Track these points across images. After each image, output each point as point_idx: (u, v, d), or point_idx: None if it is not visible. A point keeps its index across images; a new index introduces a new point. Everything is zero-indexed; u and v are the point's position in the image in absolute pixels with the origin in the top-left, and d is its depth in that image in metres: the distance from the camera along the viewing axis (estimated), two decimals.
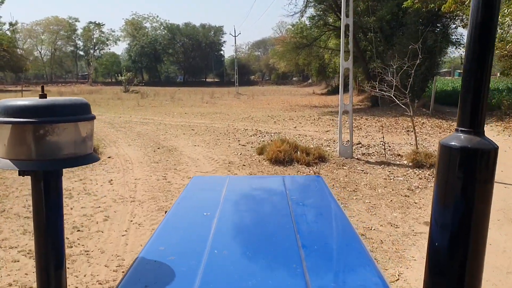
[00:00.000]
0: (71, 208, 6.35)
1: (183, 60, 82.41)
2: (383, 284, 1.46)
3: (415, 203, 7.06)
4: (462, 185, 1.29)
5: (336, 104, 30.99)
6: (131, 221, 5.88)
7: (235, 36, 51.51)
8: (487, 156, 1.28)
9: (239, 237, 1.93)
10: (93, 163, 9.30)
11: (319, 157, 9.69)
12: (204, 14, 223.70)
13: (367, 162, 9.88)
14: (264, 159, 9.79)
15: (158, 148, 12.01)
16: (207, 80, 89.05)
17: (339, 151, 10.17)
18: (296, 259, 1.59)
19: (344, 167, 9.43)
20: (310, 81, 74.35)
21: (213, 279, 1.48)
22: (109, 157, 10.27)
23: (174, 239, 1.88)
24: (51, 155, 1.25)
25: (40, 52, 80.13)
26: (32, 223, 1.33)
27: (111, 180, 8.12)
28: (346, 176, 8.78)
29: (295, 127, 16.69)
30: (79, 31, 79.57)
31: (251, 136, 14.40)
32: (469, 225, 1.30)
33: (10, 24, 59.50)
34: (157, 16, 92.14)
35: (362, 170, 9.21)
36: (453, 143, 1.31)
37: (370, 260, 1.64)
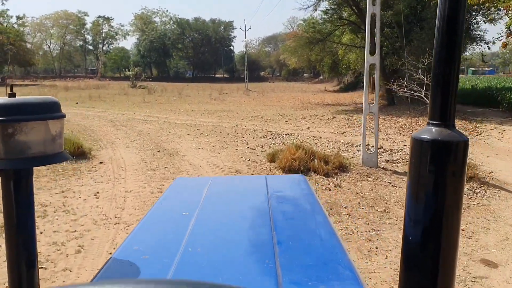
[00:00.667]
0: (41, 232, 5.19)
1: (193, 55, 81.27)
2: (356, 278, 1.46)
3: (462, 230, 5.78)
4: (433, 179, 1.30)
5: (350, 102, 29.74)
6: (110, 253, 4.69)
7: (245, 30, 50.26)
8: (457, 148, 1.27)
9: (215, 235, 1.89)
10: (81, 171, 8.26)
11: (339, 166, 8.43)
12: (214, 9, 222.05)
13: (395, 172, 8.60)
14: (276, 168, 8.56)
15: (158, 151, 10.85)
16: (216, 75, 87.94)
17: (362, 159, 8.89)
18: (270, 255, 1.58)
19: (369, 179, 8.16)
20: (321, 77, 73.07)
21: (183, 275, 1.48)
22: (100, 163, 9.11)
23: (150, 238, 1.85)
24: (20, 153, 1.23)
25: (49, 46, 79.56)
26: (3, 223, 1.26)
27: (97, 192, 6.94)
28: (372, 190, 7.51)
29: (308, 128, 15.43)
30: (88, 26, 78.86)
31: (261, 137, 13.18)
32: (441, 219, 1.31)
33: (17, 17, 58.60)
34: (167, 11, 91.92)
35: (390, 183, 7.93)
36: (424, 136, 1.31)
37: (344, 255, 1.63)
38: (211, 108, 23.52)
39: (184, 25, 79.12)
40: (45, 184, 7.36)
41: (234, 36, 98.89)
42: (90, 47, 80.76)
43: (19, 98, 1.26)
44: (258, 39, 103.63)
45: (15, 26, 57.27)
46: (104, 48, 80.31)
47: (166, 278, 1.43)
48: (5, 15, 54.50)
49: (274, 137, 13.16)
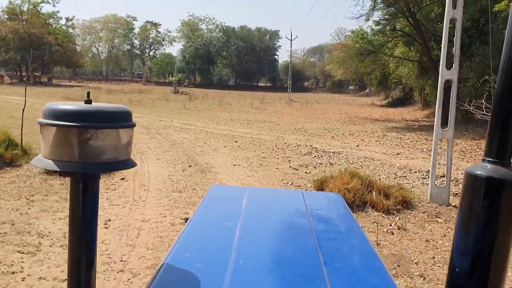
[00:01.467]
0: (23, 279, 4.04)
1: (236, 63, 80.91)
2: None
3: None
4: (486, 214, 1.29)
5: (400, 119, 27.68)
6: None
7: (291, 39, 49.01)
8: None
9: (263, 249, 1.85)
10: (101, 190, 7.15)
11: (402, 202, 6.91)
12: (260, 18, 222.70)
13: None
14: None
15: (190, 166, 9.68)
16: (259, 84, 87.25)
17: (430, 193, 7.31)
18: (320, 275, 1.57)
19: (439, 220, 6.59)
20: (367, 90, 70.74)
21: None
22: (122, 179, 8.01)
23: (199, 246, 1.83)
24: (92, 158, 1.28)
25: (97, 49, 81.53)
26: (68, 223, 1.33)
27: (108, 220, 5.77)
28: (445, 236, 5.95)
29: (358, 146, 13.86)
30: (136, 30, 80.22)
31: (304, 155, 11.79)
32: (490, 253, 1.29)
33: (67, 19, 59.96)
34: (213, 18, 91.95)
35: None
36: (479, 173, 1.31)
37: (389, 278, 1.59)
38: (251, 118, 22.35)
39: (230, 33, 78.98)
40: (52, 204, 6.30)
41: (279, 46, 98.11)
42: (137, 52, 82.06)
43: (95, 105, 1.31)
44: (303, 49, 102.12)
45: (64, 27, 58.56)
46: (150, 53, 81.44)
47: None
48: (55, 16, 55.94)
49: (319, 155, 11.73)
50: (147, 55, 79.58)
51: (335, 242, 2.01)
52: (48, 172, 7.52)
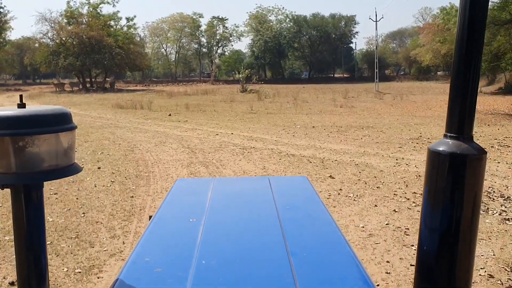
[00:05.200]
0: None
1: (309, 55, 74.53)
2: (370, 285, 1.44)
3: None
4: (450, 190, 1.32)
5: None
6: None
7: (376, 21, 41.65)
8: (475, 161, 1.29)
9: (226, 244, 1.78)
10: None
11: None
12: (334, 3, 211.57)
13: None
14: None
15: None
16: (335, 75, 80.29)
17: None
18: (286, 268, 1.51)
19: None
20: None
21: None
22: None
23: (160, 248, 1.75)
24: (31, 167, 1.20)
25: (166, 50, 79.39)
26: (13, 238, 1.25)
27: None
28: None
29: None
30: (203, 28, 76.82)
31: None
32: (458, 229, 1.32)
33: (127, 19, 56.81)
34: (283, 8, 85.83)
35: None
36: (441, 149, 1.34)
37: (357, 264, 1.56)
38: (339, 122, 16.52)
39: (301, 22, 72.76)
40: None
41: (356, 32, 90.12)
42: (205, 50, 78.73)
43: (29, 109, 1.20)
44: (382, 35, 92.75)
45: (125, 28, 55.78)
46: (218, 50, 77.85)
47: None
48: (115, 17, 53.32)
49: (494, 206, 5.76)
50: (214, 52, 75.96)
51: (302, 230, 1.92)
52: None
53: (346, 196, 6.80)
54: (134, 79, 74.92)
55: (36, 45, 47.21)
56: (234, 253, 1.69)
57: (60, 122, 1.22)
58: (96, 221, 5.70)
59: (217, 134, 13.74)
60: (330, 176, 7.99)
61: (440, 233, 1.33)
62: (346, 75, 78.16)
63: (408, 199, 6.61)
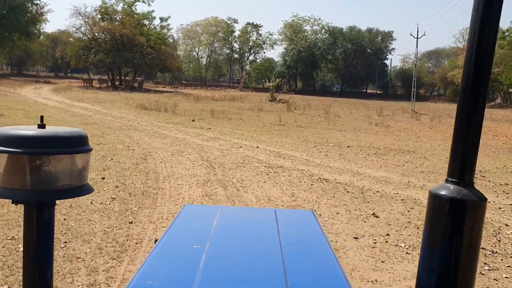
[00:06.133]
0: None
1: (343, 68, 72.69)
2: None
3: None
4: (450, 234, 1.32)
5: None
6: None
7: (417, 37, 39.73)
8: (475, 207, 1.29)
9: (227, 275, 1.77)
10: None
11: None
12: (371, 17, 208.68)
13: None
14: None
15: None
16: (367, 91, 78.13)
17: None
18: None
19: None
20: (498, 100, 59.08)
21: None
22: None
23: (162, 273, 1.72)
24: (45, 185, 1.23)
25: (197, 54, 78.89)
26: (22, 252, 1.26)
27: None
28: None
29: None
30: (236, 33, 76.05)
31: None
32: (456, 273, 1.32)
33: (161, 19, 56.04)
34: (319, 19, 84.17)
35: None
36: (442, 193, 1.35)
37: None
38: (376, 142, 15.00)
39: (337, 34, 71.07)
40: None
41: (393, 48, 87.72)
42: (236, 55, 77.86)
43: (48, 129, 1.26)
44: (418, 53, 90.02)
45: (158, 28, 55.27)
46: (250, 57, 76.85)
47: None
48: (150, 16, 52.87)
49: None
50: (246, 59, 75.02)
51: (304, 265, 1.91)
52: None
53: (396, 245, 5.37)
54: (164, 80, 74.63)
55: (71, 39, 47.09)
56: (234, 284, 1.68)
57: (76, 144, 1.27)
58: (77, 257, 4.47)
59: (241, 147, 12.46)
60: (373, 214, 6.56)
61: (438, 276, 1.35)
62: (379, 91, 75.83)
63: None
